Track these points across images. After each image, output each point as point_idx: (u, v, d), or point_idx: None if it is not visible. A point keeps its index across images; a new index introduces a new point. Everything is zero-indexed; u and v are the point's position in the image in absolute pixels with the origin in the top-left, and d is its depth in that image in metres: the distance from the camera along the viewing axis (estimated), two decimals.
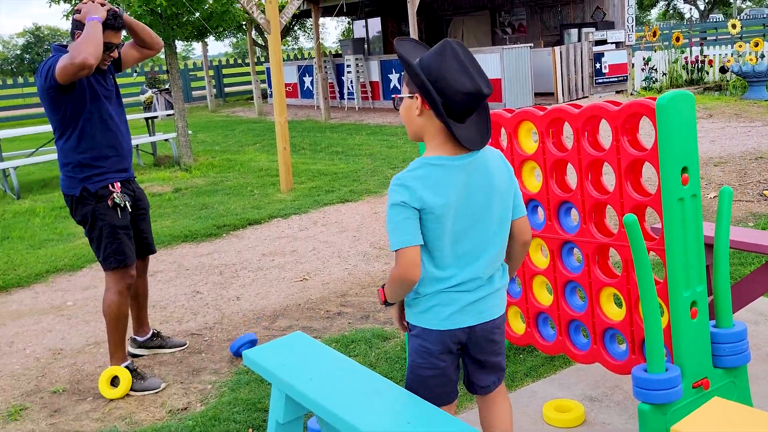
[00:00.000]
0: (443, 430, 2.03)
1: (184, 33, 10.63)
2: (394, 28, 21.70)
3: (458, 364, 2.34)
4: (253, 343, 4.06)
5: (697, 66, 16.26)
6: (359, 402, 2.24)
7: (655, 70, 15.89)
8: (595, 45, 15.00)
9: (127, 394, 3.72)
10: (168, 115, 14.87)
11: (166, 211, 7.94)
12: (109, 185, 3.72)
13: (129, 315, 3.93)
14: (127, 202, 3.78)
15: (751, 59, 13.60)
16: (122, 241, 3.75)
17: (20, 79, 25.87)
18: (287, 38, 37.09)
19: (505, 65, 13.88)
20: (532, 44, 15.02)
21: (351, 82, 17.54)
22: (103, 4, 3.60)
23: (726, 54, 16.37)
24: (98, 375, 3.94)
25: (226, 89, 26.19)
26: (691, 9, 42.62)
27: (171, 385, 3.83)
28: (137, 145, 11.31)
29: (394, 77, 16.72)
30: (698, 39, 19.48)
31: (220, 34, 11.96)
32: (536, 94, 14.60)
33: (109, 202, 3.71)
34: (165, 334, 4.38)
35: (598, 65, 15.01)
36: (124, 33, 3.80)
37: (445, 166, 2.12)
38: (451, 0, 20.34)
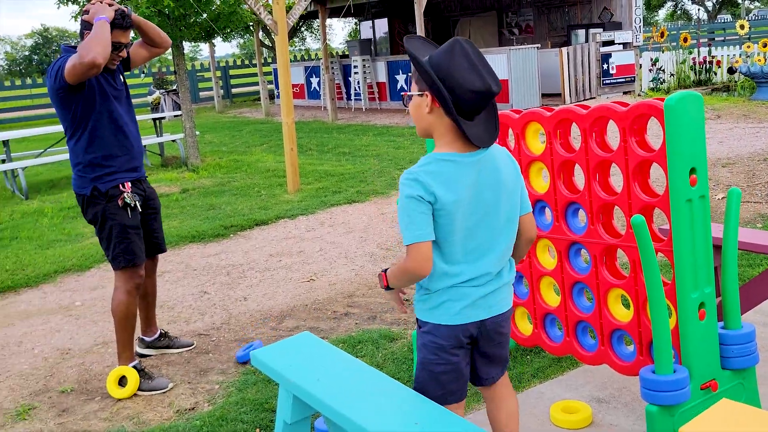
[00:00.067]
0: (451, 430, 2.03)
1: (192, 34, 10.66)
2: (401, 29, 21.70)
3: (469, 360, 2.36)
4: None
5: (705, 67, 16.20)
6: (367, 402, 2.24)
7: (663, 70, 15.84)
8: (603, 46, 14.97)
9: (135, 394, 3.73)
10: (175, 116, 14.93)
11: (174, 212, 7.97)
12: (120, 185, 3.74)
13: (137, 315, 3.94)
14: (137, 202, 3.80)
15: (759, 60, 13.54)
16: (132, 240, 3.76)
17: (28, 80, 26.00)
18: (294, 39, 37.15)
19: (512, 66, 13.86)
20: (539, 45, 15.00)
21: (358, 83, 17.55)
22: (110, 4, 3.62)
23: (734, 55, 16.31)
24: (106, 375, 3.96)
25: (234, 90, 26.27)
26: (699, 9, 42.50)
27: (178, 385, 3.84)
28: (144, 146, 11.34)
29: (401, 78, 16.72)
30: (706, 40, 19.39)
31: (228, 35, 11.98)
32: (543, 95, 14.58)
33: (120, 202, 3.73)
34: (172, 335, 4.39)
35: (605, 66, 14.98)
36: (132, 33, 3.82)
37: (456, 162, 2.14)
38: (458, 1, 20.33)
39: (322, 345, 2.71)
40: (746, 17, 36.02)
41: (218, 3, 10.82)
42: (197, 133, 11.26)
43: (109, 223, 3.73)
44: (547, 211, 3.22)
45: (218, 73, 23.70)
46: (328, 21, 20.44)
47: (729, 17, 42.59)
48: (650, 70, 15.69)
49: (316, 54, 31.11)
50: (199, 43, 19.70)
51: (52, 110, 21.60)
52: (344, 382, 2.39)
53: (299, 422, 2.55)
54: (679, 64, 16.01)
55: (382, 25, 21.85)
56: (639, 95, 15.24)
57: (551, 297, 3.33)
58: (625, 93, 15.39)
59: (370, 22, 22.02)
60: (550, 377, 3.49)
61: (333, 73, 17.86)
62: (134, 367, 3.79)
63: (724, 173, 7.71)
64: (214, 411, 3.48)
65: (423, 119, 2.21)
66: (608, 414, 3.10)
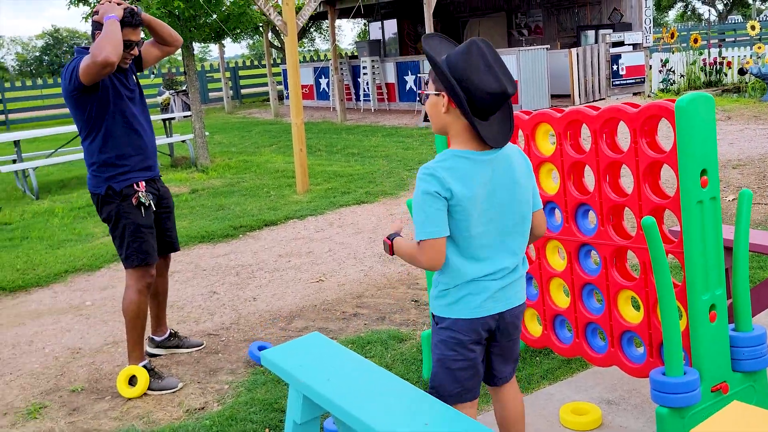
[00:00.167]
0: (460, 430, 2.03)
1: (202, 35, 10.70)
2: (410, 30, 21.70)
3: (484, 357, 2.39)
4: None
5: (716, 68, 16.13)
6: (376, 403, 2.24)
7: (673, 71, 15.78)
8: (612, 47, 14.92)
9: (145, 394, 3.75)
10: (185, 117, 14.97)
11: (183, 212, 7.99)
12: (134, 184, 3.77)
13: (148, 314, 3.96)
14: (151, 201, 3.82)
15: None
16: (145, 239, 3.79)
17: (39, 81, 26.13)
18: (303, 40, 37.22)
19: (522, 67, 13.84)
20: (548, 46, 14.96)
21: (367, 83, 17.56)
22: (119, 3, 3.64)
23: (745, 56, 16.23)
24: (116, 374, 3.97)
25: (243, 91, 26.32)
26: (709, 10, 42.29)
27: (188, 384, 3.85)
28: None
29: (410, 79, 16.71)
30: (716, 40, 19.32)
31: (237, 35, 12.02)
32: (552, 96, 14.55)
33: (134, 201, 3.75)
34: (182, 334, 4.41)
35: (615, 67, 14.94)
36: (143, 33, 3.84)
37: (471, 160, 2.18)
38: (468, 1, 20.30)
39: (332, 345, 2.72)
40: (757, 18, 35.84)
41: (228, 4, 10.85)
42: (207, 133, 11.29)
43: (122, 222, 3.75)
44: (557, 212, 3.22)
45: (227, 74, 23.76)
46: (338, 22, 20.45)
47: (740, 18, 42.37)
48: (660, 71, 15.63)
49: (326, 55, 31.13)
50: (209, 44, 19.77)
51: (63, 110, 21.84)
52: (354, 383, 2.39)
53: (309, 422, 2.56)
54: (689, 65, 15.94)
55: (391, 26, 21.85)
56: (649, 96, 15.18)
57: (561, 298, 3.33)
58: (634, 94, 15.34)
59: (379, 23, 22.03)
60: (559, 379, 3.49)
61: (342, 73, 17.87)
62: (144, 366, 3.81)
63: (734, 175, 7.68)
64: (223, 411, 3.49)
65: (439, 118, 2.24)
66: (618, 416, 3.10)
